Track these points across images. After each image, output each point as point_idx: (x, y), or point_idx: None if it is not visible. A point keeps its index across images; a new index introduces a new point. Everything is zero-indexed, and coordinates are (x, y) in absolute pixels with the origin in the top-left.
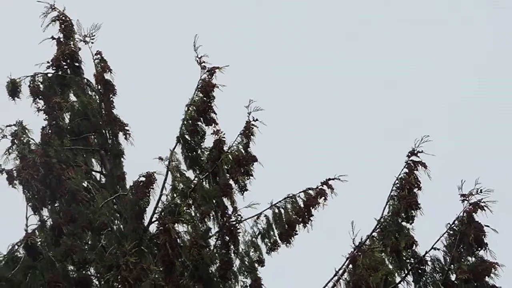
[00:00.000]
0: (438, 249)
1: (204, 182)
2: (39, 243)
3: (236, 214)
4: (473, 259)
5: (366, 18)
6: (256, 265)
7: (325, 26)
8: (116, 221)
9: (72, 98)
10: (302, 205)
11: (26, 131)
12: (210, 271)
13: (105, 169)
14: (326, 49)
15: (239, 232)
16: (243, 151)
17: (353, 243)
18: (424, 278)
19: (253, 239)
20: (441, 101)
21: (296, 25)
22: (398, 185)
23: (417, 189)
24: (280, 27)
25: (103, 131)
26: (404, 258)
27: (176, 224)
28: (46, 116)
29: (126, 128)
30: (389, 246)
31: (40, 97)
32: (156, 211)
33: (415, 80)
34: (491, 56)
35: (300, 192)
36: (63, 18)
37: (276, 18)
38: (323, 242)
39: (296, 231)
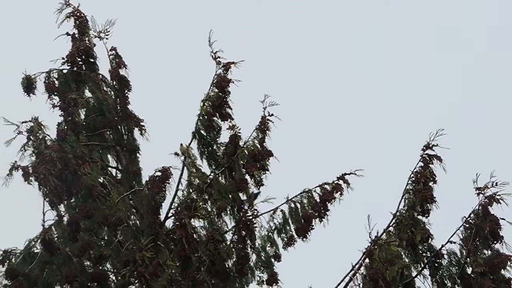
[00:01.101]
0: (454, 243)
1: (220, 177)
2: (56, 238)
3: (252, 209)
4: (489, 252)
5: (386, 12)
6: (273, 260)
7: (341, 20)
8: (132, 217)
9: (88, 94)
10: (318, 200)
11: (42, 127)
12: (227, 266)
13: (121, 165)
14: (341, 43)
15: (256, 227)
16: (258, 146)
17: (370, 237)
18: (440, 272)
19: (270, 234)
20: (455, 94)
21: (311, 19)
22: (413, 178)
23: (432, 182)
24: (293, 21)
25: (119, 126)
26: (420, 251)
27: (192, 219)
28: (62, 112)
29: (141, 123)
30: (405, 240)
31: (56, 93)
32: (172, 206)
33: (429, 73)
34: (504, 47)
35: (316, 186)
36: (78, 14)
37: (290, 13)
38: (340, 236)
39: (313, 225)
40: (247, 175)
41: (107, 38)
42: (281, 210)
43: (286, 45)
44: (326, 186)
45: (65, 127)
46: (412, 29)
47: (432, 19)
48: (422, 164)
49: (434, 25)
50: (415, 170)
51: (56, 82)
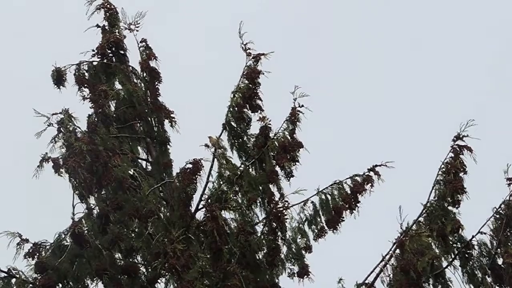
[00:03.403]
0: (485, 233)
1: (250, 169)
2: (86, 231)
3: (283, 201)
4: None
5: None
6: (303, 251)
7: (369, 10)
8: (162, 209)
9: (118, 86)
10: (349, 192)
11: (72, 119)
12: (258, 258)
13: (151, 157)
14: (371, 34)
15: (286, 219)
16: (289, 137)
17: (401, 228)
18: (471, 263)
19: (300, 225)
20: (485, 84)
21: (339, 8)
22: (444, 169)
23: (463, 173)
24: (324, 9)
25: (149, 118)
26: (450, 242)
27: (223, 211)
28: (92, 104)
29: (171, 115)
30: (436, 231)
31: (86, 85)
32: (203, 198)
33: (458, 63)
34: None
35: (347, 178)
36: (108, 6)
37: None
38: (370, 227)
39: (343, 217)
40: (277, 166)
41: (137, 30)
42: (312, 202)
43: (317, 36)
44: (357, 177)
45: (95, 119)
46: (442, 18)
47: (462, 9)
48: (453, 155)
49: (464, 15)
50: (445, 161)
51: (86, 74)
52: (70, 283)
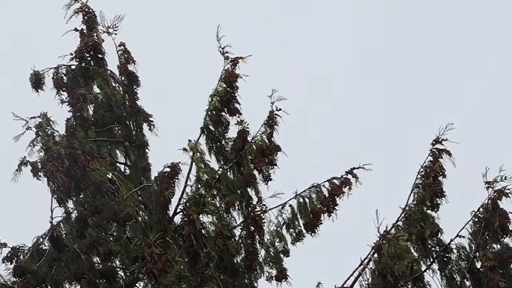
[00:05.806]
0: (463, 237)
1: (228, 173)
2: (64, 235)
3: (261, 204)
4: (498, 246)
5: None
6: (282, 255)
7: (346, 14)
8: (141, 212)
9: (96, 89)
10: (327, 195)
11: (51, 122)
12: (236, 262)
13: (130, 161)
14: (348, 36)
15: (264, 222)
16: (266, 141)
17: (378, 232)
18: (449, 266)
19: (278, 229)
20: (465, 88)
21: (315, 11)
22: (423, 173)
23: (441, 177)
24: (300, 12)
25: (127, 122)
26: (429, 246)
27: (201, 215)
28: (70, 108)
29: (150, 119)
30: (414, 234)
31: (64, 89)
32: (181, 202)
33: (439, 67)
34: None
35: (324, 181)
36: (86, 9)
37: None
38: (348, 231)
39: (321, 220)
40: (255, 170)
41: (115, 34)
42: (290, 205)
43: (294, 39)
44: (335, 180)
45: (74, 123)
46: (419, 25)
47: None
48: (432, 159)
49: (445, 21)
50: (424, 165)
51: (65, 78)
52: (49, 287)
